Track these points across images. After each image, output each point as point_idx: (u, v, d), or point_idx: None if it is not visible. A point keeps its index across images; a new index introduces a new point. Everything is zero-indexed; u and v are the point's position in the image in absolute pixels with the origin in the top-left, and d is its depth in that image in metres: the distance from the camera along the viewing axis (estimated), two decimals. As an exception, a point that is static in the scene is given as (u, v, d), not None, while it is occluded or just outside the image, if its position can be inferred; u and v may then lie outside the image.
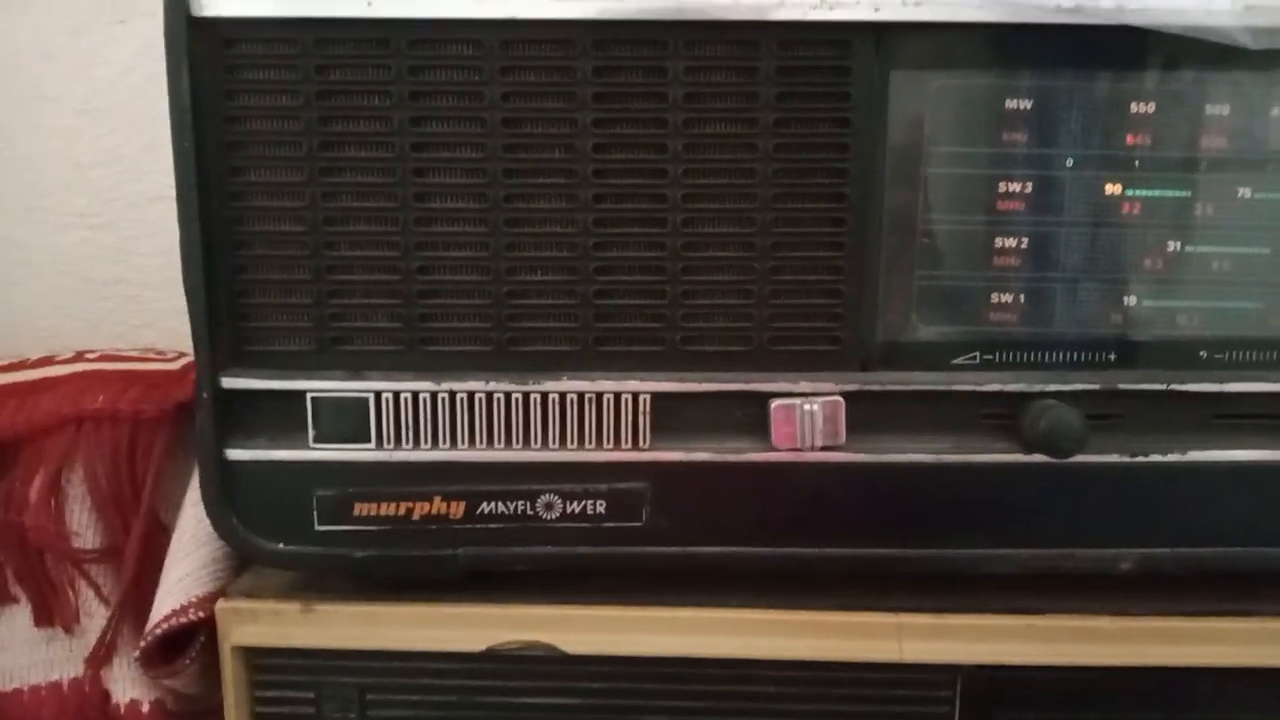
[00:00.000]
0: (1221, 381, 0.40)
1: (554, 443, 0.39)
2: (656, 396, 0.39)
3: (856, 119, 0.38)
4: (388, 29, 0.36)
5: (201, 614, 0.41)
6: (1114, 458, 0.40)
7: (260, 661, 0.41)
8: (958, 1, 0.37)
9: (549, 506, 0.39)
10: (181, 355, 0.51)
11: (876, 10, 0.37)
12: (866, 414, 0.40)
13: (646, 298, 0.38)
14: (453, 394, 0.38)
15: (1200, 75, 0.39)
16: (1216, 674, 0.42)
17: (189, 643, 0.42)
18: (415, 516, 0.39)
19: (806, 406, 0.38)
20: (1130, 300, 0.40)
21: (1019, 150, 0.39)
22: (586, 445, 0.39)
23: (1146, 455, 0.40)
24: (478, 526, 0.39)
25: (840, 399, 0.39)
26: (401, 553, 0.40)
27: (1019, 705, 0.42)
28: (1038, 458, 0.39)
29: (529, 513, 0.39)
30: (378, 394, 0.39)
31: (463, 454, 0.39)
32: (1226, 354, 0.40)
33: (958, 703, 0.41)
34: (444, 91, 0.37)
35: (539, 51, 0.37)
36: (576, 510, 0.39)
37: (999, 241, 0.40)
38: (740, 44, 0.37)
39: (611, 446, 0.39)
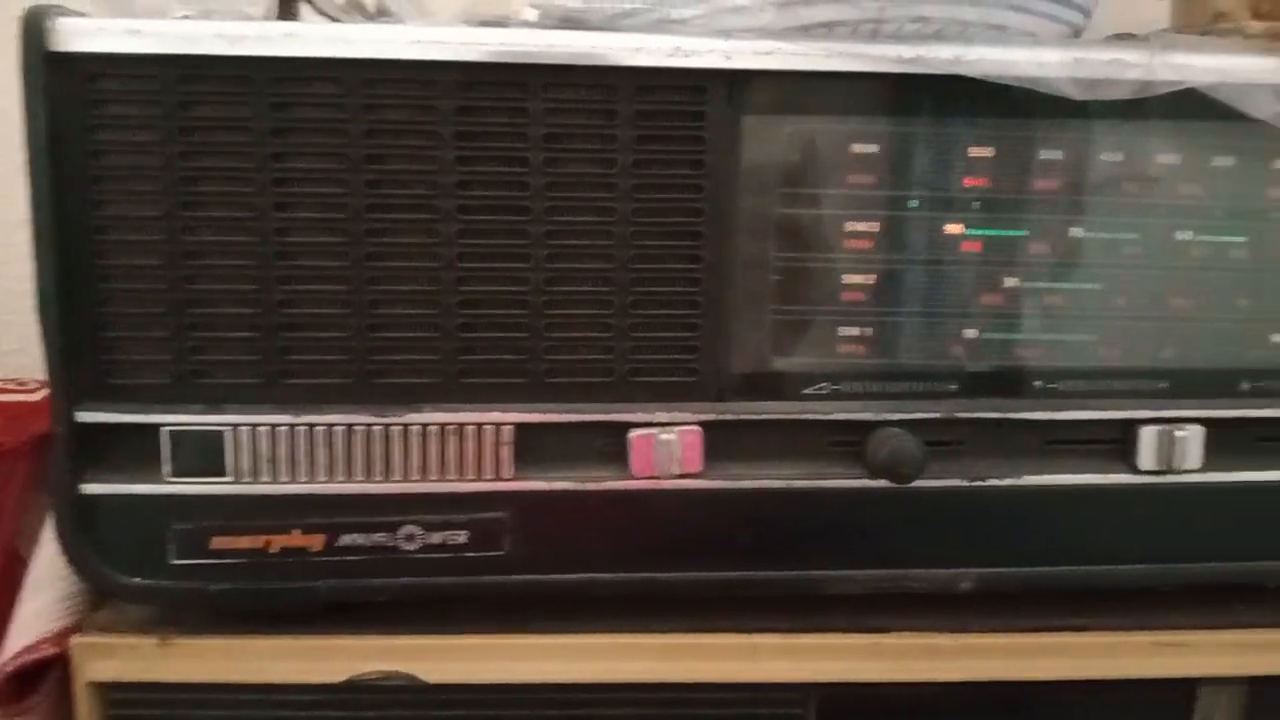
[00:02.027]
0: (1055, 410, 0.48)
1: (415, 474, 0.44)
2: (519, 427, 0.45)
3: (711, 161, 0.44)
4: (250, 66, 0.41)
5: (55, 649, 0.45)
6: (954, 482, 0.47)
7: (117, 696, 0.45)
8: (805, 51, 0.44)
9: (410, 538, 0.45)
10: (42, 386, 0.55)
11: (729, 59, 0.43)
12: (723, 442, 0.46)
13: (509, 331, 0.44)
14: (311, 427, 0.44)
15: (1035, 122, 0.47)
16: (1054, 687, 0.50)
17: (42, 679, 0.46)
18: (273, 549, 0.44)
19: (664, 436, 0.45)
20: (970, 333, 0.48)
21: (865, 192, 0.46)
22: (448, 476, 0.44)
23: (984, 480, 0.48)
24: (338, 558, 0.45)
25: (698, 428, 0.46)
26: (260, 586, 0.45)
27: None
28: (883, 483, 0.47)
29: (390, 544, 0.45)
30: (234, 427, 0.44)
31: (322, 486, 0.44)
32: (1060, 384, 0.49)
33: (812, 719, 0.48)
34: (306, 128, 0.42)
35: (401, 90, 0.42)
36: (438, 541, 0.45)
37: (847, 278, 0.47)
38: (599, 88, 0.43)
39: (473, 477, 0.45)
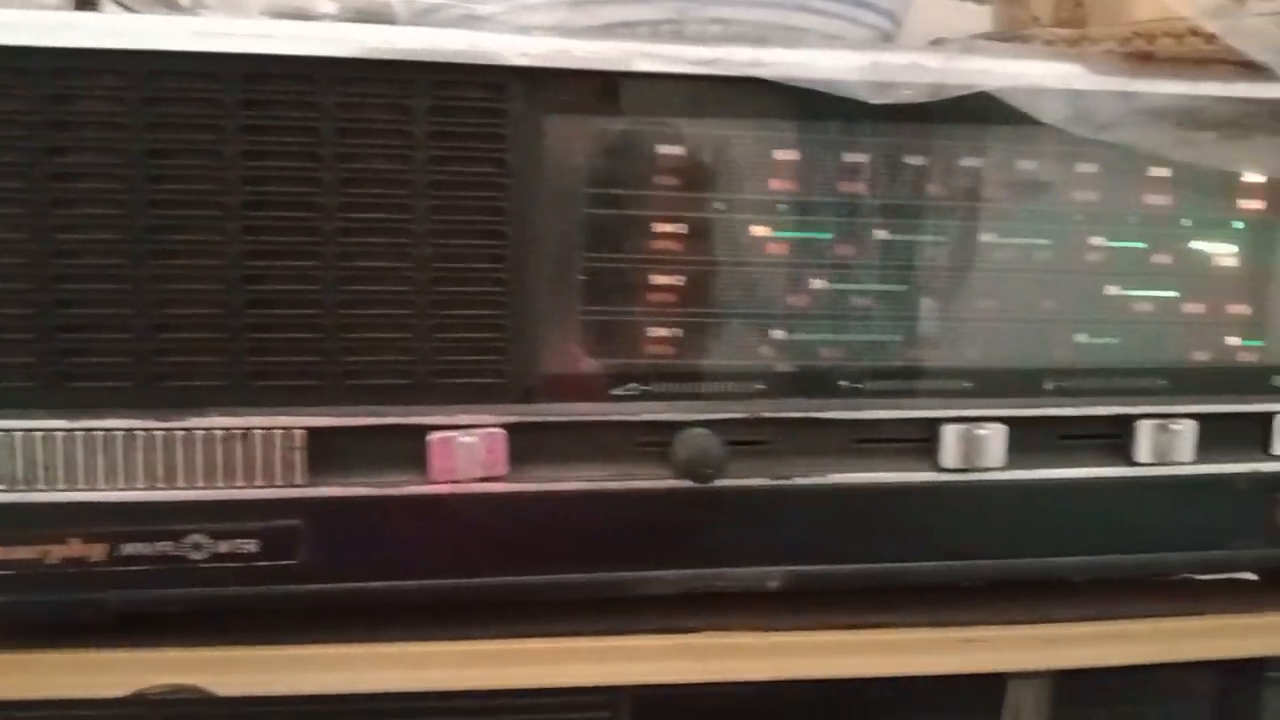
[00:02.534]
0: (860, 409, 0.50)
1: (201, 481, 0.44)
2: (312, 431, 0.45)
3: (513, 160, 0.45)
4: (27, 57, 0.40)
5: None
6: (760, 481, 0.49)
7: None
8: (603, 50, 0.44)
9: (197, 547, 0.45)
10: None
11: (527, 56, 0.44)
12: (530, 445, 0.47)
13: (301, 331, 0.44)
14: (90, 432, 0.43)
15: (841, 125, 0.48)
16: (866, 683, 0.52)
17: None
18: (52, 560, 0.43)
19: (464, 438, 0.45)
20: (778, 334, 0.49)
21: (672, 194, 0.47)
22: (236, 483, 0.44)
23: (790, 479, 0.49)
24: (123, 569, 0.44)
25: (501, 431, 0.46)
26: (40, 597, 0.44)
27: (683, 720, 0.50)
28: (690, 483, 0.48)
29: (176, 554, 0.44)
30: (8, 433, 0.43)
31: (102, 494, 0.43)
32: (865, 383, 0.50)
33: (622, 722, 0.49)
34: (86, 122, 0.42)
35: (185, 83, 0.42)
36: (226, 550, 0.45)
37: (655, 279, 0.48)
38: (394, 82, 0.43)
39: (263, 484, 0.44)
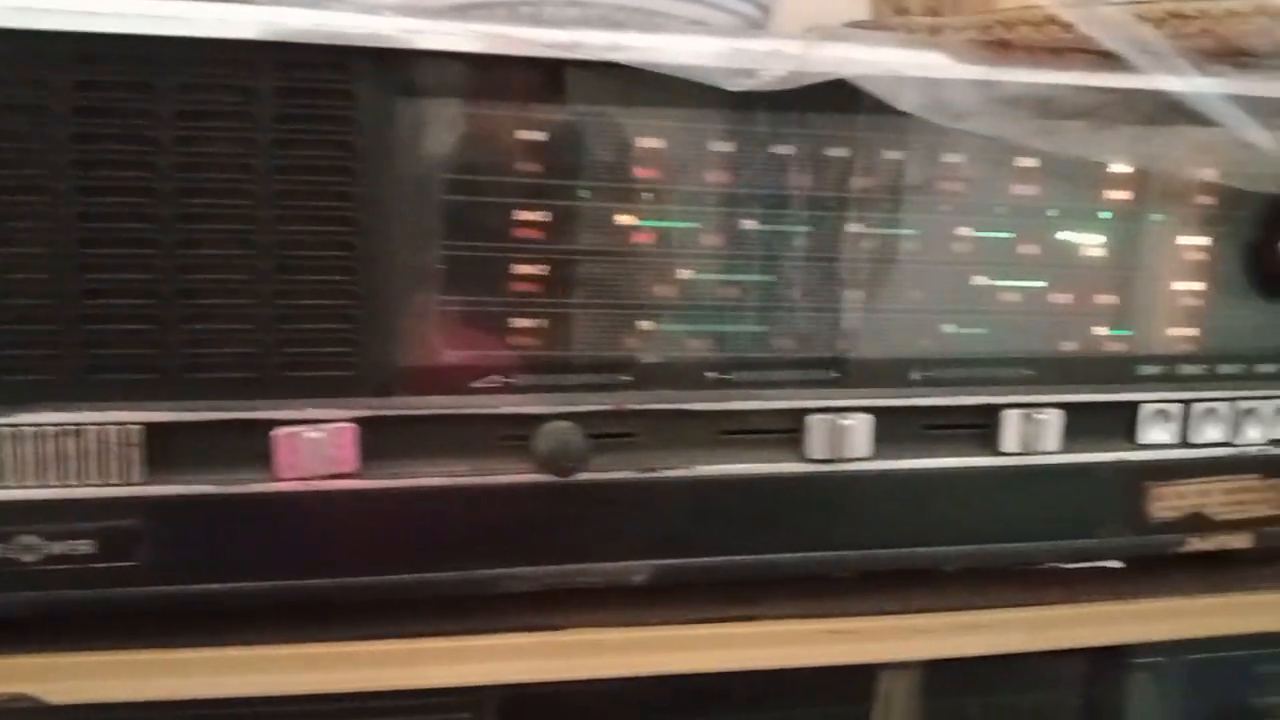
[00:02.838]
0: (727, 401, 0.50)
1: (31, 479, 0.42)
2: (150, 427, 0.43)
3: (362, 144, 0.44)
4: None
5: None
6: (625, 474, 0.49)
7: None
8: (454, 31, 0.43)
9: (29, 548, 0.43)
10: None
11: (375, 36, 0.43)
12: (385, 440, 0.46)
13: (137, 323, 0.43)
14: (-95, 430, 0.41)
15: (706, 113, 0.48)
16: (736, 677, 0.52)
17: None
18: None
19: (309, 434, 0.44)
20: (644, 325, 0.49)
21: (534, 180, 0.47)
22: (68, 481, 0.43)
23: (655, 471, 0.49)
24: (-54, 573, 0.42)
25: (352, 425, 0.45)
26: None
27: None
28: (552, 477, 0.47)
29: (6, 556, 0.43)
30: None
31: (-78, 495, 0.41)
32: (733, 374, 0.50)
33: (483, 723, 0.49)
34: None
35: (11, 63, 0.40)
36: (60, 552, 0.43)
37: (517, 269, 0.47)
38: (235, 63, 0.42)
39: (98, 482, 0.43)
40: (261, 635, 0.45)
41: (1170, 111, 0.46)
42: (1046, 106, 0.44)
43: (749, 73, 0.43)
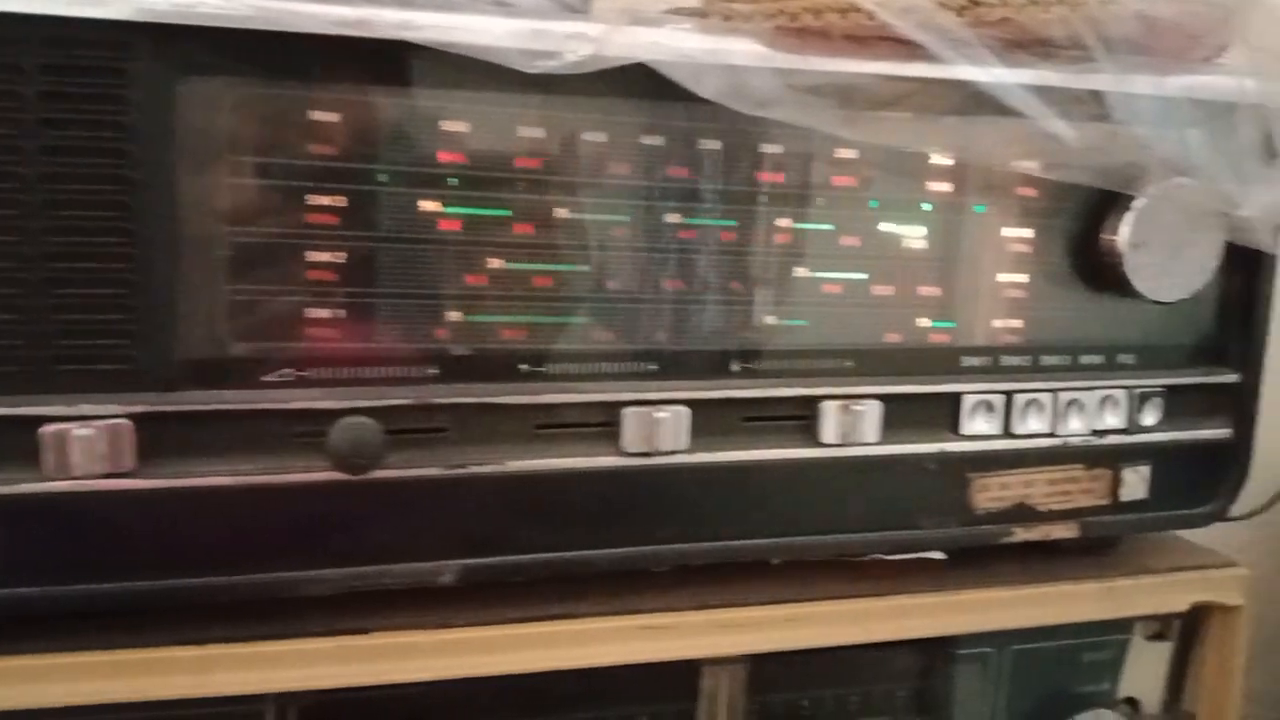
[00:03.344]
0: (541, 394, 0.48)
1: None
2: (-101, 426, 0.40)
3: (137, 125, 0.41)
4: None
5: None
6: (432, 471, 0.46)
7: None
8: (239, 8, 0.41)
9: None
10: None
11: (150, 11, 0.40)
12: (169, 437, 0.43)
13: (-108, 313, 0.39)
14: None
15: (514, 96, 0.46)
16: (557, 676, 0.50)
17: None
18: None
19: (79, 431, 0.41)
20: (452, 316, 0.47)
21: (328, 164, 0.44)
22: None
23: (465, 467, 0.47)
24: None
25: (127, 422, 0.42)
26: None
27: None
28: (361, 476, 0.45)
29: None
30: None
31: None
32: (547, 367, 0.48)
33: (279, 730, 0.46)
34: None
35: None
36: None
37: (312, 256, 0.45)
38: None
39: None
40: (37, 644, 0.42)
41: (979, 102, 0.45)
42: (850, 96, 0.43)
43: (548, 55, 0.41)
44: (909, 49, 0.43)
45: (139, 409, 0.42)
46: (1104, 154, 0.43)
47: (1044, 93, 0.43)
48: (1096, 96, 0.44)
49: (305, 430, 0.44)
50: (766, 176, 0.49)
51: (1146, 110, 0.43)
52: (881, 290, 0.52)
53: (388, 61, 0.43)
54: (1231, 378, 0.58)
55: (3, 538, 0.41)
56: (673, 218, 0.48)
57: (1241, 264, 0.57)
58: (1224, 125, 0.48)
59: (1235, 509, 0.69)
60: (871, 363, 0.52)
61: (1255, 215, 0.44)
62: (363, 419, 0.44)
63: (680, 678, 0.52)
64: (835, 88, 0.42)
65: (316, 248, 0.44)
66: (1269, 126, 0.49)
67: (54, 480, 0.41)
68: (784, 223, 0.50)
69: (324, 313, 0.44)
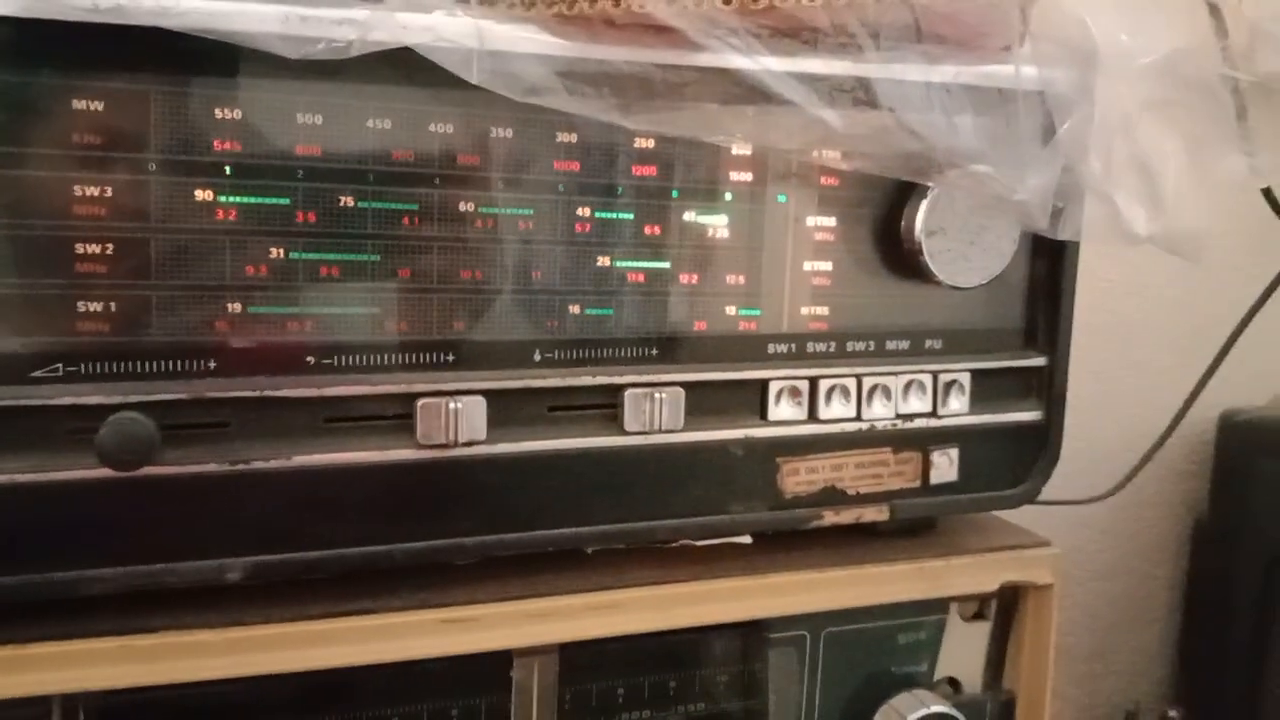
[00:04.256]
0: (329, 386, 0.46)
1: None
2: None
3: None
4: None
5: None
6: (212, 467, 0.45)
7: None
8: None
9: None
10: None
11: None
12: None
13: None
14: None
15: (288, 84, 0.44)
16: (354, 673, 0.48)
17: None
18: None
19: None
20: (231, 307, 0.45)
21: (94, 154, 0.42)
22: None
23: (249, 463, 0.45)
24: None
25: (-121, 420, 0.40)
26: None
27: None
28: (130, 472, 0.43)
29: None
30: None
31: None
32: (336, 358, 0.47)
33: (56, 735, 0.44)
34: None
35: None
36: None
37: (81, 248, 0.43)
38: None
39: None
40: None
41: (756, 93, 0.45)
42: (624, 85, 0.42)
43: (312, 41, 0.39)
44: (686, 38, 0.43)
45: (-105, 406, 0.39)
46: (878, 142, 0.43)
47: (810, 80, 0.43)
48: (864, 84, 0.43)
49: (76, 427, 0.42)
50: (563, 165, 0.48)
51: (913, 97, 0.43)
52: (685, 279, 0.51)
53: (158, 47, 0.42)
54: (1039, 361, 0.59)
55: None
56: (467, 206, 0.47)
57: (1045, 249, 0.57)
58: (1004, 113, 0.49)
59: (1090, 490, 0.70)
60: (677, 351, 0.51)
61: (1030, 199, 0.44)
62: (133, 414, 0.41)
63: (491, 669, 0.51)
64: (606, 76, 0.41)
65: (85, 240, 0.42)
66: (1048, 113, 0.49)
67: None
68: (584, 212, 0.49)
69: (94, 305, 0.42)
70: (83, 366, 0.43)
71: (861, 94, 0.43)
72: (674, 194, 0.51)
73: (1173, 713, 0.88)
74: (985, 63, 0.51)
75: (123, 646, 0.44)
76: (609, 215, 0.50)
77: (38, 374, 0.42)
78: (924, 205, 0.52)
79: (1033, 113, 0.50)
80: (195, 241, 0.44)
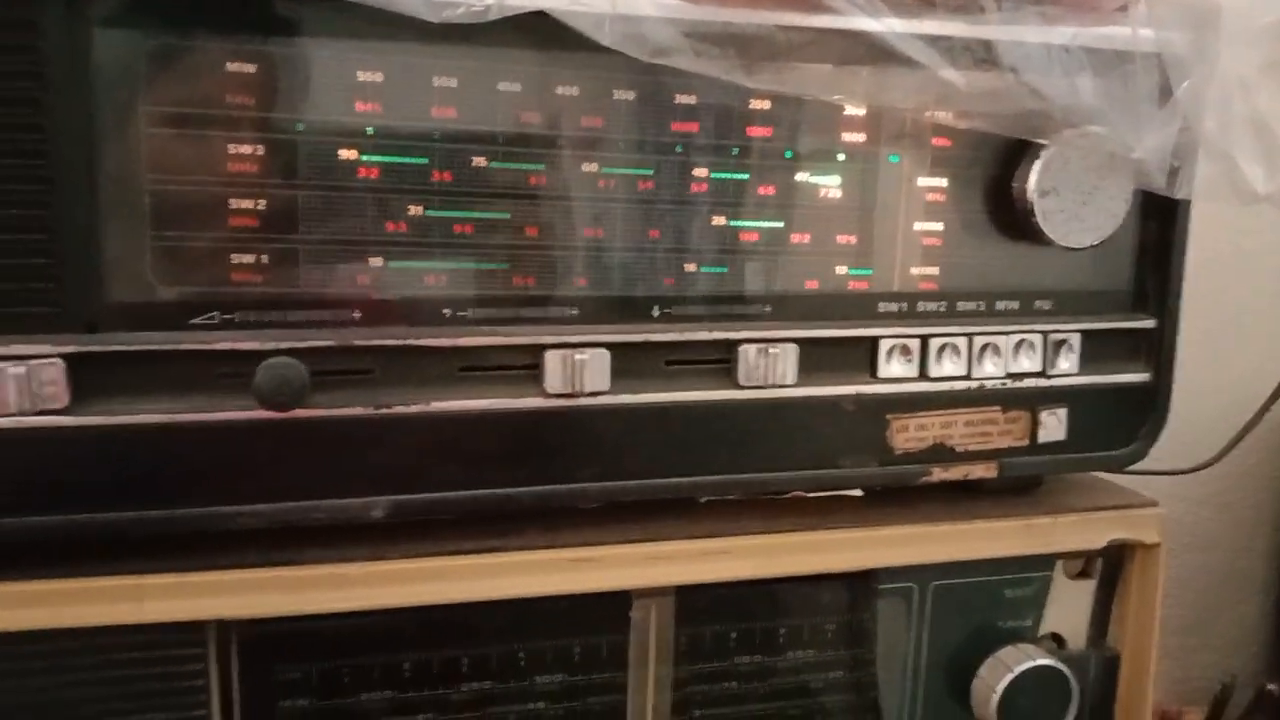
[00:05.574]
0: (464, 337, 0.47)
1: None
2: None
3: (53, 75, 0.40)
4: None
5: None
6: (358, 410, 0.46)
7: None
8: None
9: None
10: None
11: (61, -36, 0.39)
12: (98, 377, 0.43)
13: None
14: None
15: (428, 47, 0.45)
16: (482, 609, 0.49)
17: None
18: None
19: (13, 369, 0.40)
20: (374, 261, 0.46)
21: (247, 114, 0.43)
22: None
23: (390, 407, 0.46)
24: None
25: (59, 361, 0.41)
26: None
27: (292, 656, 0.47)
28: (282, 414, 0.44)
29: None
30: None
31: None
32: (469, 311, 0.47)
33: (213, 659, 0.46)
34: None
35: None
36: None
37: (235, 203, 0.44)
38: None
39: None
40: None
41: (878, 53, 0.44)
42: (748, 45, 0.41)
43: (453, 4, 0.39)
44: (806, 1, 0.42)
45: (68, 349, 0.41)
46: (998, 101, 0.41)
47: (934, 41, 0.42)
48: (986, 45, 0.42)
49: (230, 371, 0.43)
50: (681, 126, 0.48)
51: (1035, 58, 0.42)
52: (798, 238, 0.51)
53: (300, 11, 0.43)
54: (1149, 323, 0.57)
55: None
56: (590, 167, 0.47)
57: (1155, 211, 0.55)
58: (1121, 73, 0.47)
59: (1186, 461, 0.67)
60: (789, 308, 0.51)
61: (1147, 158, 0.43)
62: (286, 359, 0.42)
63: (612, 610, 0.51)
64: (732, 37, 0.40)
65: (238, 195, 0.43)
66: (1165, 73, 0.47)
67: (-13, 417, 0.40)
68: (700, 172, 0.49)
69: (247, 258, 0.43)
70: (236, 315, 0.43)
71: (983, 54, 0.41)
72: (787, 154, 0.50)
73: (1271, 686, 0.84)
74: (1102, 23, 0.49)
75: (273, 577, 0.45)
76: (724, 175, 0.49)
77: (196, 320, 0.43)
78: (1037, 165, 0.51)
79: (1150, 73, 0.48)
80: (339, 198, 0.44)
